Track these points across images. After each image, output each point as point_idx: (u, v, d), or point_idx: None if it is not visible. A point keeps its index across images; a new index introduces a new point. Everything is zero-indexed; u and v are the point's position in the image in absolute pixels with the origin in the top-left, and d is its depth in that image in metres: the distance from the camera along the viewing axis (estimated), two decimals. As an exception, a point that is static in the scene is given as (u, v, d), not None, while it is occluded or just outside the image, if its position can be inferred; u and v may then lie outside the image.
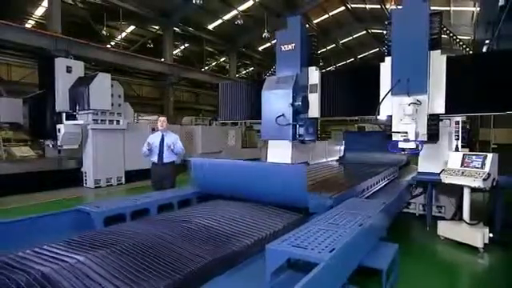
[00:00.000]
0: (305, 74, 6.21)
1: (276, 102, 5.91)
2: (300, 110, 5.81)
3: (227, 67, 24.20)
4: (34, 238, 2.66)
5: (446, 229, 4.43)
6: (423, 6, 4.89)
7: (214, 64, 23.78)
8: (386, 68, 5.29)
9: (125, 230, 2.50)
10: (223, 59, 23.55)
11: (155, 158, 5.21)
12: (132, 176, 9.55)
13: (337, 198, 3.39)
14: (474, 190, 4.28)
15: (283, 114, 5.78)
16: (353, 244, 2.22)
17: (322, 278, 1.77)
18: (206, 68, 21.58)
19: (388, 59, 5.25)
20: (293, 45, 6.07)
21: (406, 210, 5.57)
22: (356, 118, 17.46)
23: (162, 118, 5.37)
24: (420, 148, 4.83)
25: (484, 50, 10.13)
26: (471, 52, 5.53)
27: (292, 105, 5.73)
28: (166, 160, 5.16)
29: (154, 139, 5.30)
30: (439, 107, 4.94)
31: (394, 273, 3.04)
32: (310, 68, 6.31)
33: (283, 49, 6.19)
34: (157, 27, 17.47)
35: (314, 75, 6.32)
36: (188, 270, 1.91)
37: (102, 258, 1.92)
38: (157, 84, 20.94)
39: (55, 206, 6.75)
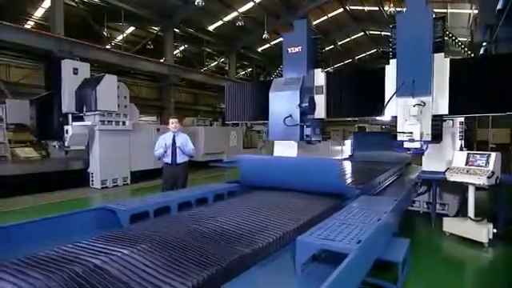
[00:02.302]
0: (311, 76, 6.37)
1: (283, 103, 6.05)
2: (307, 111, 5.96)
3: (225, 68, 24.35)
4: (63, 235, 2.77)
5: (451, 225, 4.61)
6: (427, 10, 5.09)
7: (213, 65, 23.89)
8: (390, 70, 5.47)
9: (159, 225, 2.63)
10: (221, 60, 23.65)
11: (168, 159, 5.31)
12: (137, 176, 9.65)
13: (363, 188, 3.94)
14: (476, 188, 4.48)
15: (291, 115, 5.93)
16: (374, 237, 2.37)
17: (352, 268, 1.91)
18: (205, 69, 21.69)
19: (393, 61, 5.42)
20: (299, 47, 6.24)
21: (410, 208, 5.76)
22: (356, 118, 17.71)
23: (174, 120, 5.46)
24: (425, 148, 5.01)
25: (481, 51, 10.40)
26: (472, 55, 5.73)
27: (299, 106, 5.88)
28: (179, 161, 5.27)
29: (167, 141, 5.38)
30: (443, 108, 5.12)
31: (406, 266, 3.21)
32: (315, 70, 6.48)
33: (290, 51, 6.35)
34: (157, 28, 17.55)
35: (319, 77, 6.48)
36: (225, 263, 2.04)
37: (144, 252, 2.05)
38: (155, 85, 21.02)
39: (71, 206, 6.87)
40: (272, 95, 6.22)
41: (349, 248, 1.98)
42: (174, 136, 5.41)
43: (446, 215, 5.34)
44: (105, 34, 15.90)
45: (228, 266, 2.01)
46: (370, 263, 2.38)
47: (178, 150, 5.27)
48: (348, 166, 6.50)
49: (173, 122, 5.44)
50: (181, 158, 5.31)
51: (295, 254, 2.19)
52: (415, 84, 4.94)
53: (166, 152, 5.28)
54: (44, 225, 2.92)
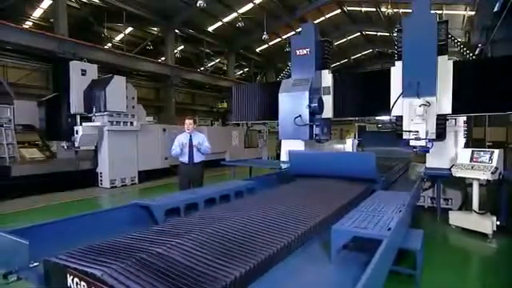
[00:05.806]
0: (318, 77, 6.58)
1: (293, 103, 6.24)
2: (316, 111, 6.17)
3: (223, 68, 24.47)
4: (104, 229, 2.95)
5: (456, 218, 4.89)
6: (431, 15, 5.34)
7: (211, 65, 24.01)
8: (396, 72, 5.71)
9: (201, 217, 2.82)
10: (218, 60, 23.78)
11: (185, 159, 5.43)
12: (144, 176, 9.78)
13: (385, 176, 4.77)
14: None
15: (300, 115, 6.14)
16: (398, 226, 2.59)
17: (385, 253, 2.12)
18: (202, 69, 21.79)
19: (398, 63, 5.67)
20: (307, 50, 6.45)
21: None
22: (356, 118, 18.02)
23: (188, 121, 5.57)
24: (430, 146, 5.26)
25: (476, 52, 10.73)
26: (474, 57, 6.01)
27: (309, 106, 6.09)
28: (196, 160, 5.43)
29: (183, 140, 5.50)
30: (446, 108, 5.38)
31: (421, 254, 3.44)
32: (323, 71, 6.70)
33: (298, 53, 6.56)
34: (157, 29, 17.63)
35: (326, 78, 6.71)
36: (268, 252, 2.23)
37: (193, 241, 2.23)
38: (152, 85, 21.07)
39: (85, 205, 7.03)
40: (282, 96, 6.40)
41: (383, 234, 2.19)
42: (190, 136, 5.54)
43: (450, 209, 5.59)
44: (105, 34, 15.93)
45: (274, 252, 2.21)
46: (395, 251, 2.61)
47: (194, 149, 5.42)
48: None
49: (187, 124, 5.56)
50: (198, 158, 5.45)
51: (327, 242, 2.41)
52: (421, 85, 5.18)
53: (182, 151, 5.41)
54: (83, 221, 3.08)
